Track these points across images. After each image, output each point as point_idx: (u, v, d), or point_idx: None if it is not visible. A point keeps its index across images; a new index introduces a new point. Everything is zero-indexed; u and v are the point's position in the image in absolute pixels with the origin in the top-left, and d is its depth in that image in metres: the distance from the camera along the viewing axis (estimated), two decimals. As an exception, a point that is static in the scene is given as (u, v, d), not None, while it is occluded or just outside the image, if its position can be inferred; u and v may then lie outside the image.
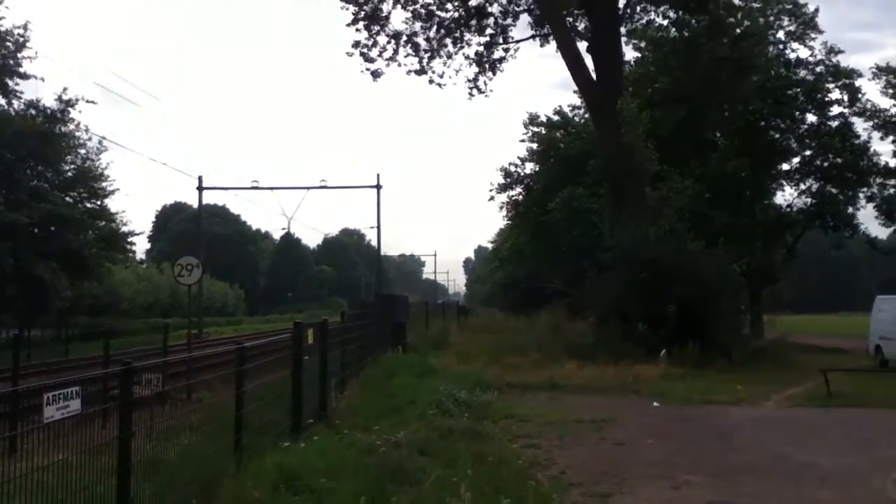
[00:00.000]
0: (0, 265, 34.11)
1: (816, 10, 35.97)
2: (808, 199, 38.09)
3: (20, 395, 8.65)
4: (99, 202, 41.47)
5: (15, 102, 36.92)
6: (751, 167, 34.44)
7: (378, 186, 54.43)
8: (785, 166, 38.32)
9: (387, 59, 29.62)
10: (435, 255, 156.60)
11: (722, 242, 24.82)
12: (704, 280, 22.52)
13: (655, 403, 15.18)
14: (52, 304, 41.26)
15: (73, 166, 40.33)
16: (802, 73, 36.55)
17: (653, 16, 33.65)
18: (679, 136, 33.44)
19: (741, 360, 21.57)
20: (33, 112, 36.67)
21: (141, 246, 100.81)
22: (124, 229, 43.38)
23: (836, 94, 36.50)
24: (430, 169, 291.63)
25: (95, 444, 5.82)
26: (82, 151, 40.15)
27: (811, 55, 36.38)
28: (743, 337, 24.81)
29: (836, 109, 36.78)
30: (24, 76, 36.42)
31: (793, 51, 36.64)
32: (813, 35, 36.02)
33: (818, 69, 36.38)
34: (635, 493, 8.39)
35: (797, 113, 36.78)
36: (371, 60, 29.59)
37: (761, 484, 8.71)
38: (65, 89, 37.89)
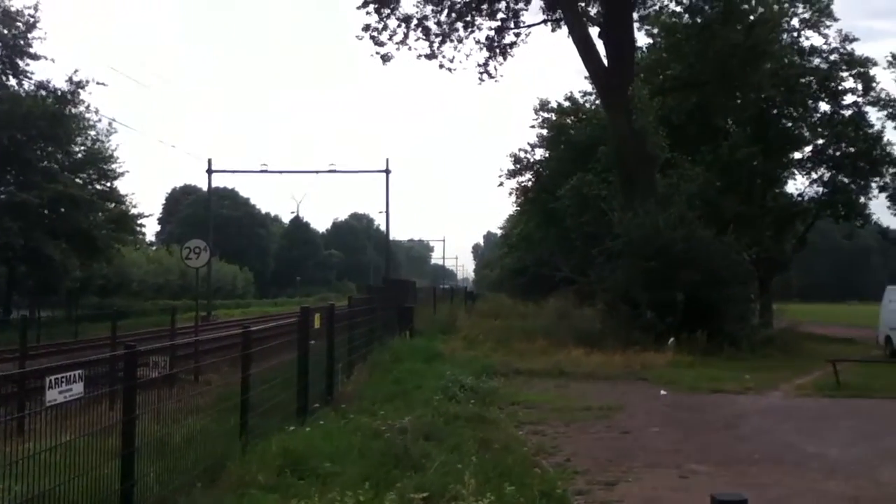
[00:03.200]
0: (11, 245, 34.26)
1: (832, -2, 35.61)
2: (820, 188, 37.97)
3: (27, 376, 8.67)
4: (109, 184, 41.59)
5: (25, 83, 36.99)
6: (762, 155, 34.27)
7: (387, 171, 54.56)
8: (797, 155, 38.18)
9: (397, 43, 29.39)
10: (444, 241, 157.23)
11: (732, 230, 24.69)
12: (713, 268, 22.45)
13: (663, 391, 15.13)
14: (63, 285, 41.54)
15: (83, 148, 40.40)
16: (816, 60, 36.26)
17: (666, 1, 33.46)
18: (690, 123, 33.32)
19: (750, 349, 21.49)
20: (43, 93, 36.67)
21: (151, 228, 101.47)
22: (134, 211, 43.58)
23: (849, 83, 36.35)
24: (440, 155, 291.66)
25: (101, 427, 5.82)
26: (92, 133, 40.24)
27: (825, 43, 36.18)
28: (752, 325, 24.71)
29: (849, 98, 36.65)
30: (35, 57, 36.42)
31: (807, 38, 36.43)
32: (828, 22, 35.77)
33: (832, 57, 36.11)
34: (641, 481, 8.35)
35: (810, 101, 36.55)
36: (381, 44, 29.38)
37: (769, 474, 8.65)
38: (75, 71, 38.05)
